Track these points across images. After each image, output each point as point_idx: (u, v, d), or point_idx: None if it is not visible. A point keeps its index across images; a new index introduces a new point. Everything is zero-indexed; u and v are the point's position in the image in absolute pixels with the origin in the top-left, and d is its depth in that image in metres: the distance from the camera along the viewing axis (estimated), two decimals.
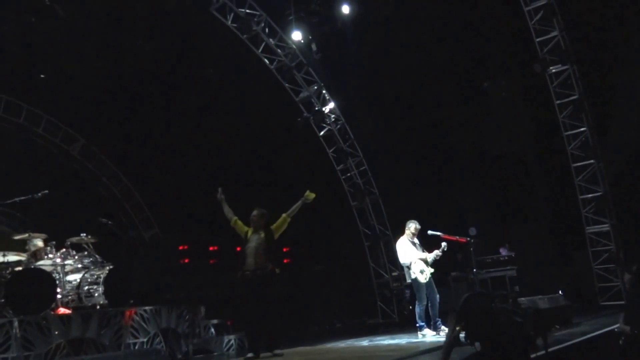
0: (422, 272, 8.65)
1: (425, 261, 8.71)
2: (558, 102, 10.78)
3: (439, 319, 8.56)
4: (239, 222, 7.76)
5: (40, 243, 8.63)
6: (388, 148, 12.83)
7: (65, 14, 10.38)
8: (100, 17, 11.06)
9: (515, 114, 12.21)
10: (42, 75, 11.66)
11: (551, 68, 10.58)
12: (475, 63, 12.15)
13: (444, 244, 8.82)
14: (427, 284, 8.62)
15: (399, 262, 8.98)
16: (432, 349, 7.07)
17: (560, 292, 8.98)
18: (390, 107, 12.69)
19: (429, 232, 9.00)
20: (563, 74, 10.58)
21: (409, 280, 8.92)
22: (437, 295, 8.70)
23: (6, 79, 11.72)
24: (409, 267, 8.69)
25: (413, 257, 8.67)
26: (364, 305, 13.50)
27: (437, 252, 8.77)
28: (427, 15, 11.58)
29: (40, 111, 12.68)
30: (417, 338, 8.43)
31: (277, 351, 7.12)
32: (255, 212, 7.71)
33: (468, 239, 9.12)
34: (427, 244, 9.18)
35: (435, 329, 8.54)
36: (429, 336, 8.37)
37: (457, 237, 9.08)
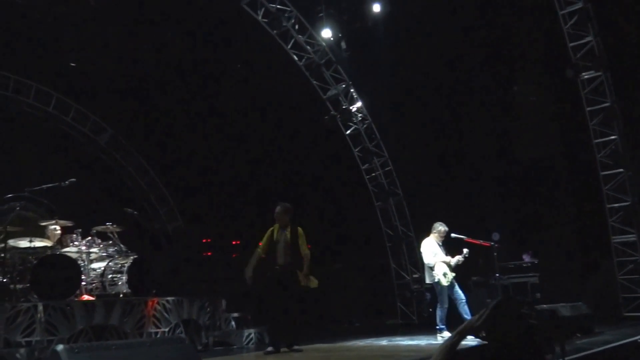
0: (444, 275, 8.59)
1: (449, 265, 8.65)
2: (589, 108, 10.59)
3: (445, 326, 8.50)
4: (264, 243, 7.41)
5: (62, 230, 8.78)
6: (414, 149, 12.76)
7: (96, 3, 10.53)
8: (131, 9, 11.17)
9: (543, 119, 12.04)
10: (72, 64, 11.81)
11: (583, 74, 10.40)
12: (505, 66, 12.01)
13: (466, 250, 8.74)
14: (450, 286, 8.56)
15: (423, 262, 8.92)
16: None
17: (580, 302, 8.83)
18: (418, 108, 12.61)
19: (452, 234, 8.95)
20: (595, 80, 10.39)
21: (429, 281, 8.86)
22: (463, 295, 8.62)
23: (37, 67, 11.93)
24: (432, 269, 8.64)
25: (438, 259, 8.61)
26: (383, 305, 13.45)
27: (459, 257, 8.70)
28: (458, 17, 11.48)
29: (70, 100, 12.86)
30: (437, 340, 8.37)
31: (296, 347, 7.12)
32: (278, 209, 7.45)
33: (491, 243, 9.04)
34: (449, 246, 9.11)
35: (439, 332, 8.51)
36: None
37: (480, 241, 9.02)
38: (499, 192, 12.72)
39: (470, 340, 7.82)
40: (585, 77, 10.45)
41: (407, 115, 12.55)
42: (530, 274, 11.13)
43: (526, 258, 11.68)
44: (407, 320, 12.89)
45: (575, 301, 8.80)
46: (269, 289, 7.16)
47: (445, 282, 8.55)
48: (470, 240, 8.97)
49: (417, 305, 12.94)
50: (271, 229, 7.44)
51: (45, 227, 8.58)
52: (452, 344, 2.98)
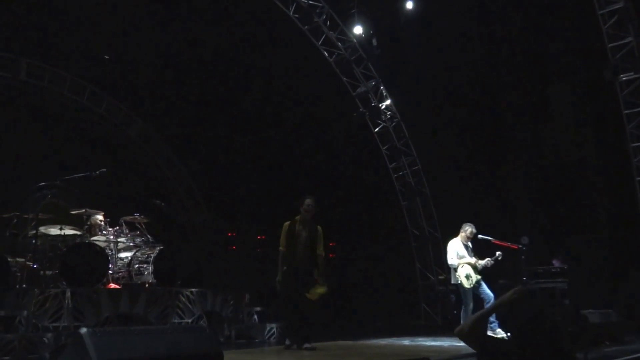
0: (467, 277, 8.46)
1: (475, 267, 8.52)
2: (626, 111, 10.32)
3: (495, 322, 8.35)
4: (284, 237, 7.10)
5: (97, 219, 8.92)
6: (442, 149, 12.62)
7: None
8: (164, 3, 11.31)
9: (578, 121, 11.79)
10: (106, 57, 12.00)
11: (622, 76, 10.13)
12: (540, 66, 11.79)
13: (498, 253, 8.60)
14: (476, 287, 8.44)
15: (447, 262, 8.81)
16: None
17: (611, 310, 8.62)
18: (448, 107, 12.48)
19: (480, 236, 8.83)
20: (634, 82, 10.11)
21: (453, 282, 8.75)
22: (492, 295, 8.48)
23: (72, 59, 12.15)
24: (455, 270, 8.54)
25: (462, 261, 8.50)
26: (407, 306, 13.35)
27: (489, 260, 8.57)
28: (491, 15, 11.31)
29: (102, 92, 13.07)
30: (460, 342, 8.26)
31: (307, 345, 6.89)
32: (310, 202, 7.13)
33: (519, 246, 8.89)
34: (477, 248, 8.98)
35: (491, 330, 8.37)
36: None
37: (508, 243, 8.87)
38: (530, 195, 12.51)
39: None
40: (624, 79, 10.17)
41: (436, 114, 12.42)
42: (559, 280, 10.90)
43: (556, 264, 11.45)
44: (430, 321, 12.78)
45: (605, 309, 8.60)
46: (285, 285, 6.95)
47: (467, 284, 8.42)
48: (497, 242, 8.84)
49: (441, 307, 12.83)
50: (288, 222, 7.15)
51: (84, 216, 8.70)
52: (483, 315, 2.95)
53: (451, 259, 8.60)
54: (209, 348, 3.56)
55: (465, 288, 8.44)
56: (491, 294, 8.46)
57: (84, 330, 3.18)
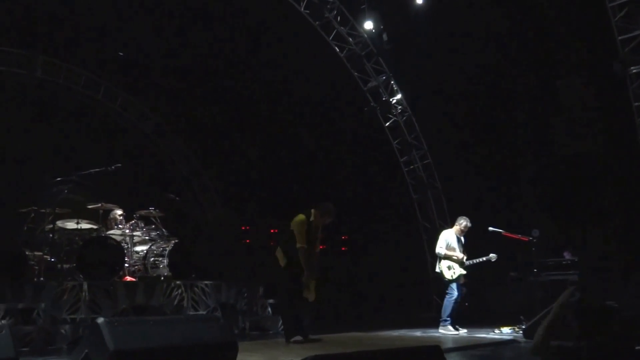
0: (449, 268, 8.55)
1: (461, 262, 8.59)
2: (636, 104, 10.27)
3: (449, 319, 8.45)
4: (302, 233, 6.94)
5: (113, 213, 9.09)
6: (453, 143, 12.65)
7: None
8: (176, 1, 11.43)
9: (588, 114, 11.74)
10: (120, 54, 12.16)
11: (632, 68, 10.08)
12: (549, 59, 11.75)
13: (493, 255, 8.67)
14: (456, 281, 8.51)
15: (435, 250, 8.84)
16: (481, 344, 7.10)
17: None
18: (458, 101, 12.49)
19: (490, 228, 8.87)
20: None
21: (436, 271, 8.81)
22: (459, 295, 8.54)
23: (87, 56, 12.33)
24: (440, 260, 8.63)
25: (449, 253, 8.55)
26: (418, 298, 13.42)
27: (481, 259, 8.66)
28: (501, 9, 11.29)
29: (117, 88, 13.25)
30: (440, 333, 8.37)
31: (295, 338, 6.86)
32: (332, 208, 7.10)
33: (530, 238, 8.91)
34: (488, 240, 9.03)
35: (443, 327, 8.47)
36: (451, 334, 8.27)
37: (519, 235, 8.90)
38: (541, 188, 12.50)
39: (506, 335, 7.83)
40: (634, 71, 10.11)
41: (447, 108, 12.44)
42: (569, 272, 10.89)
43: (567, 256, 11.44)
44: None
45: (616, 301, 8.61)
46: (298, 282, 6.96)
47: (448, 275, 8.52)
48: (508, 234, 8.88)
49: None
50: (303, 218, 7.03)
51: (100, 210, 8.87)
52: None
53: (440, 247, 8.68)
54: (223, 338, 3.67)
55: (447, 279, 8.53)
56: (457, 294, 8.49)
57: (100, 319, 3.31)
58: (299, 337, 6.94)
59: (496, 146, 12.67)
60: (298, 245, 6.88)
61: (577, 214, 12.23)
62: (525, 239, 8.86)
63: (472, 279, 10.45)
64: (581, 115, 11.69)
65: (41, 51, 12.04)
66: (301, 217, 7.03)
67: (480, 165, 12.54)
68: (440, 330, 8.42)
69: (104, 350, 3.17)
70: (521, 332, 7.91)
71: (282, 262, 7.03)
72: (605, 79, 10.84)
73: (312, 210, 7.13)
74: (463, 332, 8.43)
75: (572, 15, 11.06)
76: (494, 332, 8.38)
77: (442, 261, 8.62)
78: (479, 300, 11.41)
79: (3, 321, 3.45)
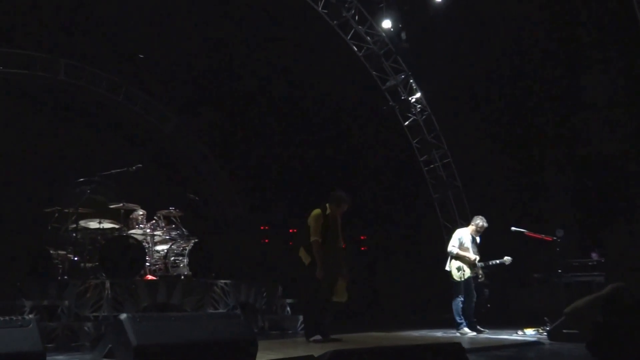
0: (458, 269, 8.42)
1: (473, 264, 8.46)
2: None
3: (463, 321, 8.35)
4: (318, 227, 6.83)
5: (134, 213, 9.18)
6: (474, 141, 12.53)
7: None
8: (196, 1, 11.51)
9: (615, 110, 11.54)
10: (140, 55, 12.30)
11: None
12: (574, 54, 11.57)
13: (507, 258, 8.55)
14: (466, 283, 8.39)
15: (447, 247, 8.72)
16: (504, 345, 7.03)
17: None
18: (479, 99, 12.38)
19: (512, 228, 8.73)
20: None
21: (446, 269, 8.71)
22: (474, 298, 8.45)
23: (109, 59, 12.49)
24: (451, 258, 8.53)
25: (462, 253, 8.41)
26: (439, 299, 13.31)
27: (495, 261, 8.54)
28: (522, 4, 11.15)
29: (138, 90, 13.39)
30: (492, 334, 8.27)
31: (315, 337, 6.84)
32: (349, 200, 7.01)
33: (554, 238, 8.76)
34: (510, 240, 8.93)
35: (471, 327, 8.35)
36: (470, 335, 8.18)
37: (542, 235, 8.76)
38: (565, 187, 12.31)
39: (529, 337, 7.73)
40: None
41: (467, 106, 12.34)
42: (595, 273, 10.71)
43: (594, 256, 11.25)
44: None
45: None
46: (321, 278, 6.87)
47: (457, 276, 8.38)
48: (531, 234, 8.74)
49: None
50: (319, 212, 6.90)
51: (122, 210, 8.97)
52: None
53: (452, 246, 8.51)
54: (244, 335, 3.69)
55: (454, 280, 8.40)
56: (474, 297, 8.39)
57: (123, 315, 3.34)
58: (318, 337, 6.92)
59: (519, 144, 12.52)
60: (312, 238, 6.75)
61: (604, 214, 12.02)
62: (549, 238, 8.69)
63: (495, 280, 10.35)
64: (607, 113, 11.49)
65: (64, 54, 12.23)
66: (317, 211, 6.93)
67: (502, 164, 12.40)
68: (458, 334, 8.32)
69: (127, 345, 3.20)
70: (545, 333, 7.78)
71: (307, 260, 6.94)
72: (631, 74, 10.67)
73: (327, 204, 7.05)
74: (485, 333, 8.34)
75: (598, 10, 10.88)
76: (517, 333, 8.27)
77: (453, 261, 8.48)
78: (502, 302, 11.29)
79: (30, 315, 3.50)
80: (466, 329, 8.29)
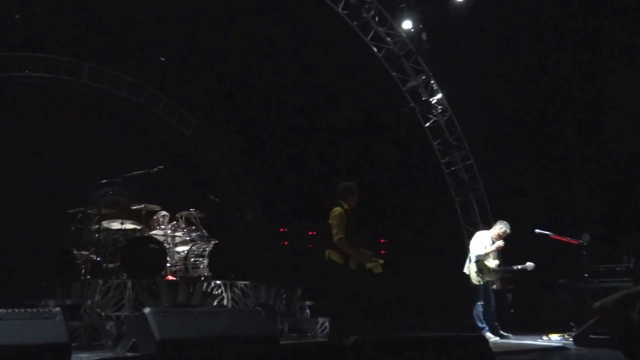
0: (478, 273, 8.32)
1: (494, 270, 8.37)
2: None
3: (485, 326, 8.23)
4: (343, 225, 6.62)
5: (156, 214, 9.24)
6: (496, 143, 12.38)
7: (185, 1, 11.04)
8: (216, 5, 11.58)
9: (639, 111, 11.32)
10: (162, 58, 12.41)
11: None
12: (599, 53, 11.37)
13: (530, 263, 8.44)
14: (484, 287, 8.29)
15: (473, 251, 8.58)
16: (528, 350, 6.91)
17: None
18: (502, 100, 12.23)
19: (537, 230, 8.60)
20: None
21: (464, 271, 8.59)
22: (485, 299, 8.36)
23: (131, 62, 12.63)
24: (470, 261, 8.42)
25: (484, 257, 8.30)
26: (461, 304, 13.18)
27: (517, 267, 8.43)
28: (545, 4, 11.02)
29: (159, 93, 13.52)
30: (516, 339, 8.15)
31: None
32: (348, 184, 6.86)
33: (580, 241, 8.61)
34: (534, 244, 8.80)
35: (494, 332, 8.24)
36: (492, 340, 8.04)
37: (568, 238, 8.62)
38: (590, 190, 12.08)
39: (555, 342, 7.59)
40: None
41: (489, 107, 12.19)
42: (624, 279, 10.49)
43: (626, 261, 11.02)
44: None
45: None
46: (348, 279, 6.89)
47: (475, 280, 8.28)
48: (556, 237, 8.60)
49: (497, 305, 12.57)
50: (341, 210, 6.72)
51: (143, 211, 9.03)
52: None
53: (484, 248, 8.37)
54: (264, 331, 3.67)
55: (473, 284, 8.30)
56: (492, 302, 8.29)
57: (147, 310, 3.35)
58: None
59: (542, 146, 12.33)
60: (337, 236, 6.57)
61: (632, 218, 11.77)
62: (575, 241, 8.55)
63: (519, 285, 10.20)
64: (632, 113, 11.27)
65: (88, 58, 12.41)
66: (339, 209, 6.75)
67: (525, 166, 12.23)
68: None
69: (150, 339, 3.21)
70: (571, 339, 7.64)
71: (340, 260, 6.80)
72: None
73: (341, 201, 6.97)
74: (509, 338, 8.22)
75: (621, 6, 10.69)
76: (541, 339, 8.13)
77: (473, 264, 8.40)
78: (527, 307, 11.12)
79: (57, 308, 3.54)
80: (488, 334, 8.17)
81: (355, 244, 6.66)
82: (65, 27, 11.40)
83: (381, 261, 6.78)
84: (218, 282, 8.40)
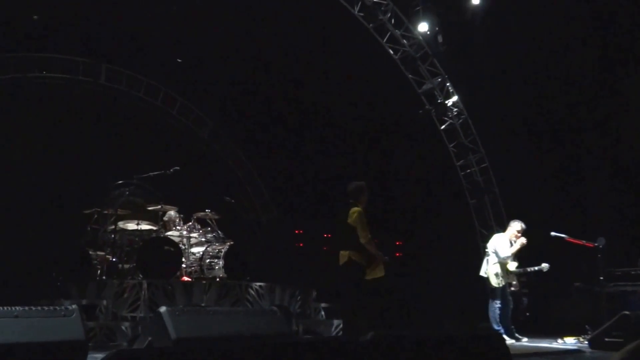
0: (496, 275, 8.28)
1: (511, 272, 8.33)
2: None
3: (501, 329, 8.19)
4: (366, 226, 6.71)
5: (171, 214, 9.28)
6: (512, 146, 12.30)
7: (202, 3, 11.09)
8: (233, 7, 11.63)
9: None
10: (179, 60, 12.49)
11: None
12: (617, 56, 11.25)
13: (545, 264, 8.39)
14: (502, 289, 8.24)
15: (497, 255, 8.52)
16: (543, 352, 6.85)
17: None
18: (517, 103, 12.14)
19: (552, 233, 8.59)
20: None
21: (481, 274, 8.53)
22: (504, 302, 8.35)
23: (148, 63, 12.72)
24: (487, 263, 8.37)
25: (509, 257, 8.25)
26: (476, 307, 13.08)
27: (533, 268, 8.40)
28: (562, 6, 10.92)
29: (175, 94, 13.60)
30: (530, 342, 8.08)
31: None
32: (358, 183, 6.96)
33: (595, 244, 8.56)
34: (549, 246, 8.73)
35: (509, 335, 8.19)
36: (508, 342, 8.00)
37: (584, 241, 8.57)
38: (607, 194, 11.95)
39: (570, 345, 7.53)
40: None
41: (505, 110, 12.11)
42: (639, 283, 10.36)
43: None
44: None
45: None
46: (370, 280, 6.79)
47: (495, 282, 8.24)
48: (571, 239, 8.57)
49: (513, 308, 12.48)
50: (361, 210, 6.76)
51: (159, 212, 9.07)
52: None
53: (509, 249, 8.33)
54: (280, 330, 3.68)
55: (493, 286, 8.25)
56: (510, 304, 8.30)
57: (163, 309, 3.36)
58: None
59: (558, 149, 12.23)
60: (366, 238, 6.59)
61: None
62: (590, 245, 8.52)
63: (534, 289, 10.12)
64: None
65: (105, 60, 12.52)
66: (359, 209, 6.78)
67: (540, 169, 12.13)
68: None
69: (166, 338, 3.22)
70: (587, 342, 7.58)
71: (364, 261, 6.79)
72: None
73: (355, 201, 6.93)
74: (524, 340, 8.16)
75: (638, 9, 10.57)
76: (557, 342, 8.07)
77: (492, 266, 8.36)
78: (542, 311, 11.03)
79: (74, 306, 3.56)
80: (505, 337, 8.11)
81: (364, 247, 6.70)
82: (83, 28, 11.53)
83: (386, 258, 6.79)
84: (233, 283, 8.40)
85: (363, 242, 6.61)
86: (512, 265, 8.40)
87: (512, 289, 8.55)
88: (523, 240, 8.36)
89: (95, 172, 10.74)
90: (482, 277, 8.61)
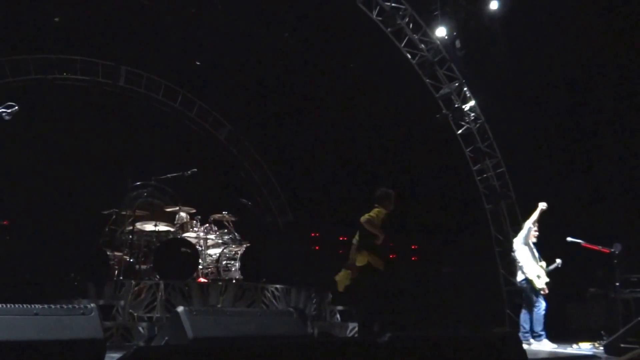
0: (539, 276, 8.26)
1: (543, 270, 8.34)
2: None
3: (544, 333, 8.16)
4: (381, 223, 6.90)
5: (187, 216, 9.37)
6: (529, 151, 12.23)
7: (222, 7, 11.20)
8: (251, 11, 11.72)
9: None
10: (197, 63, 12.60)
11: None
12: (631, 61, 11.14)
13: (559, 260, 8.37)
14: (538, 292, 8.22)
15: (518, 259, 8.50)
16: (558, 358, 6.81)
17: None
18: (535, 107, 12.08)
19: (568, 238, 8.57)
20: None
21: (519, 279, 8.47)
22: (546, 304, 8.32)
23: (167, 66, 12.85)
24: (522, 268, 8.34)
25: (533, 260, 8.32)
26: (491, 312, 13.01)
27: (552, 267, 8.37)
28: (580, 10, 10.84)
29: (194, 97, 13.72)
30: (544, 346, 8.03)
31: None
32: (386, 190, 7.16)
33: (612, 250, 8.50)
34: (565, 252, 8.69)
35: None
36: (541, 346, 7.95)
37: (600, 246, 8.52)
38: (625, 199, 11.83)
39: (585, 351, 7.48)
40: None
41: (522, 115, 12.05)
42: None
43: None
44: (515, 327, 12.37)
45: None
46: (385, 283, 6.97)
47: (539, 285, 8.22)
48: (588, 245, 8.53)
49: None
50: (384, 211, 6.93)
51: (177, 213, 9.17)
52: None
53: (525, 229, 8.43)
54: (296, 332, 3.71)
55: (538, 288, 8.21)
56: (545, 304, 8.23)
57: (180, 308, 3.42)
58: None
59: (576, 154, 12.13)
60: (379, 238, 6.74)
61: None
62: (607, 250, 8.47)
63: (549, 294, 10.05)
64: None
65: (124, 62, 12.66)
66: (383, 210, 6.95)
67: (558, 174, 12.05)
68: (534, 347, 8.07)
69: (183, 337, 3.27)
70: (602, 348, 7.52)
71: (380, 264, 6.85)
72: None
73: (380, 205, 7.00)
74: (553, 347, 8.11)
75: None
76: (572, 347, 8.02)
77: (530, 269, 8.33)
78: (557, 316, 10.95)
79: (92, 304, 3.62)
80: (546, 341, 8.12)
81: (383, 248, 6.70)
82: (103, 31, 11.67)
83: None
84: (249, 285, 8.45)
85: (362, 221, 6.70)
86: (543, 265, 8.41)
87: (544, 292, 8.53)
88: (543, 205, 8.34)
89: (113, 174, 10.85)
90: (518, 284, 8.56)
